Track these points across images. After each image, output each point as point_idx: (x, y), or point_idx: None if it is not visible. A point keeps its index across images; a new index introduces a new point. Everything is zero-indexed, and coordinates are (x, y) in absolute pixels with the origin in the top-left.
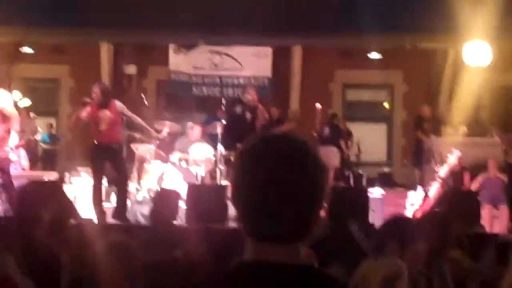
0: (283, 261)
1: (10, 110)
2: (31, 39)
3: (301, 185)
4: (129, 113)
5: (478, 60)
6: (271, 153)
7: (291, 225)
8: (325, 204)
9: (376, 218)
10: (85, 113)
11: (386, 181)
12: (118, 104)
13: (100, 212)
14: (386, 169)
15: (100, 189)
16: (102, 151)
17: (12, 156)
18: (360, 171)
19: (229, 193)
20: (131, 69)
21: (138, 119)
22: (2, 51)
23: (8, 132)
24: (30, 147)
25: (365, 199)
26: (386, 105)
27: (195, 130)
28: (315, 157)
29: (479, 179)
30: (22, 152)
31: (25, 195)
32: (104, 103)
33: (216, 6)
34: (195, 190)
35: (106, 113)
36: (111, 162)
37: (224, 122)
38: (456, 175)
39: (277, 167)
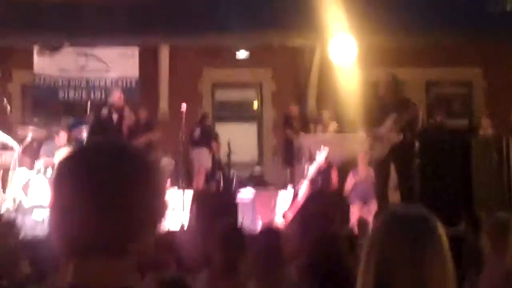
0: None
1: None
2: None
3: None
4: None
5: (344, 57)
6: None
7: (118, 234)
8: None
9: (247, 218)
10: None
11: (257, 181)
12: None
13: None
14: (257, 169)
15: None
16: None
17: None
18: (231, 172)
19: None
20: None
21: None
22: None
23: None
24: None
25: (234, 202)
26: (255, 104)
27: (61, 135)
28: (142, 161)
29: (351, 176)
30: None
31: None
32: None
33: (80, 6)
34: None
35: None
36: None
37: (89, 125)
38: (324, 173)
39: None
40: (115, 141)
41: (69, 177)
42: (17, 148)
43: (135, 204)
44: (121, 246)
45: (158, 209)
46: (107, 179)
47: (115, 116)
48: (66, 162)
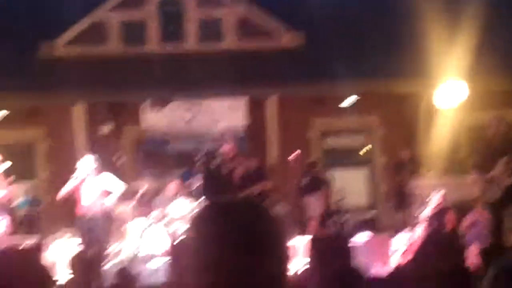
0: None
1: None
2: (4, 104)
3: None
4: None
5: (450, 102)
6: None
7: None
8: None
9: (361, 263)
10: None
11: (370, 225)
12: (105, 175)
13: None
14: (369, 214)
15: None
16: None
17: None
18: (344, 217)
19: None
20: (106, 129)
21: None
22: None
23: None
24: (9, 212)
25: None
26: (364, 150)
27: (173, 186)
28: (272, 222)
29: (466, 218)
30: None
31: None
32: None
33: (186, 62)
34: (176, 246)
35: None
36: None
37: (201, 176)
38: (439, 215)
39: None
40: (246, 198)
41: (211, 235)
42: (122, 188)
43: (272, 259)
44: None
45: (287, 259)
46: (249, 237)
47: (225, 167)
48: (204, 221)
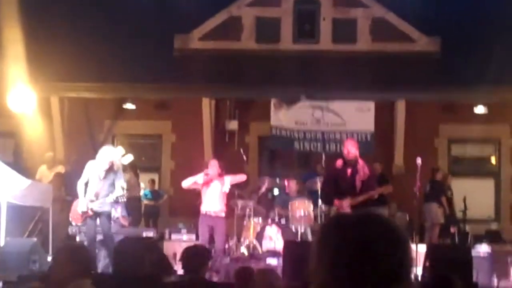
0: None
1: (118, 164)
2: (134, 96)
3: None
4: (235, 180)
5: None
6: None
7: None
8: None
9: (482, 276)
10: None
11: (493, 237)
12: (228, 178)
13: None
14: (493, 226)
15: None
16: (209, 219)
17: (113, 212)
18: (467, 228)
19: None
20: (232, 125)
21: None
22: (105, 107)
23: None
24: (133, 203)
25: (469, 257)
26: (493, 160)
27: (294, 185)
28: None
29: None
30: (122, 208)
31: (121, 251)
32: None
33: (316, 61)
34: (293, 247)
35: (218, 185)
36: (215, 230)
37: (323, 177)
38: None
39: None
40: (373, 214)
41: (337, 246)
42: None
43: (403, 268)
44: None
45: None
46: (380, 249)
47: (349, 169)
48: (334, 230)
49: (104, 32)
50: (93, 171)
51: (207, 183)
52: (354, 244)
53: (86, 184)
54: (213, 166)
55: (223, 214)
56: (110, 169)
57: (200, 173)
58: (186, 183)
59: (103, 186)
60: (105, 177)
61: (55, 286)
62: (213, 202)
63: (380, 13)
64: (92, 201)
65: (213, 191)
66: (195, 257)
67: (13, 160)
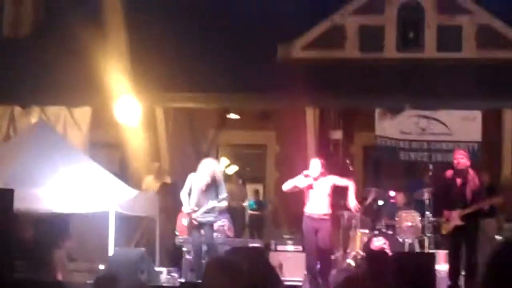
0: None
1: (220, 176)
2: (238, 106)
3: None
4: (340, 182)
5: None
6: None
7: None
8: None
9: None
10: (303, 183)
11: None
12: (332, 178)
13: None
14: None
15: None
16: (313, 221)
17: (218, 222)
18: None
19: (437, 261)
20: (337, 135)
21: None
22: (209, 117)
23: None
24: (238, 214)
25: None
26: None
27: (402, 197)
28: None
29: None
30: (227, 218)
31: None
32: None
33: (421, 70)
34: (401, 258)
35: (320, 186)
36: (319, 232)
37: (431, 188)
38: None
39: None
40: None
41: None
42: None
43: None
44: None
45: None
46: None
47: (459, 180)
48: None
49: (208, 42)
50: (194, 183)
51: (310, 185)
52: None
53: (189, 195)
54: (315, 166)
55: (327, 217)
56: (212, 182)
57: (300, 175)
58: (286, 186)
59: (205, 198)
60: (206, 190)
61: None
62: (316, 204)
63: (485, 19)
64: (195, 211)
65: (316, 192)
66: None
67: (119, 170)
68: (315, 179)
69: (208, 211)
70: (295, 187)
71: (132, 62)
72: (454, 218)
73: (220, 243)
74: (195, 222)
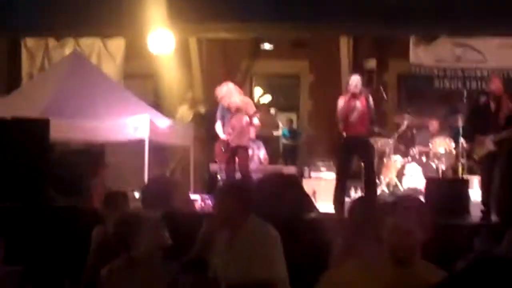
0: None
1: (240, 101)
2: (271, 35)
3: None
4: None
5: None
6: None
7: None
8: None
9: None
10: (341, 103)
11: None
12: (370, 99)
13: (340, 205)
14: None
15: (344, 183)
16: (351, 144)
17: (252, 151)
18: None
19: (471, 186)
20: (371, 63)
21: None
22: (243, 48)
23: (246, 123)
24: (271, 143)
25: None
26: None
27: (436, 123)
28: None
29: None
30: (261, 147)
31: (261, 188)
32: (358, 94)
33: None
34: (434, 184)
35: (357, 105)
36: (360, 154)
37: (465, 114)
38: None
39: None
40: None
41: None
42: None
43: None
44: None
45: None
46: None
47: (493, 105)
48: None
49: None
50: (225, 109)
51: (346, 104)
52: None
53: (223, 123)
54: (355, 82)
55: (367, 138)
56: (238, 108)
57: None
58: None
59: (237, 123)
60: (235, 115)
61: (218, 223)
62: (354, 123)
63: None
64: (230, 134)
65: (354, 111)
66: None
67: (154, 101)
68: (352, 97)
69: (240, 136)
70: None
71: None
72: (487, 143)
73: (254, 170)
74: (233, 145)
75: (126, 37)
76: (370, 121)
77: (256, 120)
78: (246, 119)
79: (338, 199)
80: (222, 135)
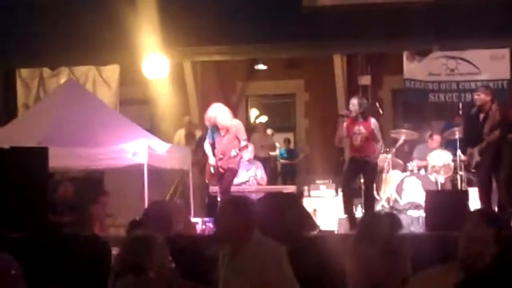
0: None
1: (228, 122)
2: (265, 56)
3: None
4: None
5: None
6: None
7: None
8: None
9: None
10: (343, 128)
11: None
12: (373, 121)
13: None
14: None
15: (351, 198)
16: (356, 165)
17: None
18: None
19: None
20: (365, 80)
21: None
22: (237, 69)
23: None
24: (269, 163)
25: None
26: None
27: (434, 138)
28: None
29: None
30: (260, 168)
31: (263, 207)
32: (361, 117)
33: (447, 11)
34: (434, 197)
35: (361, 129)
36: (362, 174)
37: (461, 127)
38: None
39: None
40: None
41: None
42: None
43: None
44: None
45: None
46: None
47: (481, 115)
48: None
49: None
50: (215, 131)
51: (348, 128)
52: None
53: (213, 145)
54: (352, 105)
55: (372, 158)
56: (228, 129)
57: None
58: (336, 140)
59: (227, 145)
60: (225, 136)
61: (220, 238)
62: (359, 146)
63: None
64: (220, 159)
65: (357, 135)
66: None
67: (150, 126)
68: (354, 121)
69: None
70: (340, 137)
71: (158, 18)
72: (474, 155)
73: (252, 191)
74: (221, 171)
75: (121, 63)
76: (375, 141)
77: (250, 148)
78: (236, 150)
79: (349, 213)
80: (211, 160)
